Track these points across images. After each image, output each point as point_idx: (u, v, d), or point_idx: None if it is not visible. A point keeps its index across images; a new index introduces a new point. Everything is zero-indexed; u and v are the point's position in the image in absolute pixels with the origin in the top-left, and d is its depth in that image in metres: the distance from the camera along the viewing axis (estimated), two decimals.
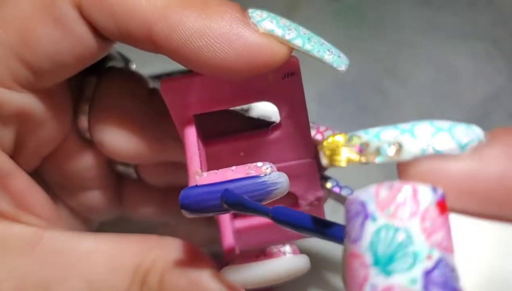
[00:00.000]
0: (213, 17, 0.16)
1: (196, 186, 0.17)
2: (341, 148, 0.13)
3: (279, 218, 0.15)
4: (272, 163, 0.17)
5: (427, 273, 0.12)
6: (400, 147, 0.13)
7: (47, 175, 0.23)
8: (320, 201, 0.23)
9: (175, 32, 0.16)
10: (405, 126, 0.14)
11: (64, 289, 0.17)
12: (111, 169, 0.24)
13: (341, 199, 0.23)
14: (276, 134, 0.20)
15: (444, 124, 0.14)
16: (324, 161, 0.14)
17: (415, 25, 0.49)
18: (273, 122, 0.21)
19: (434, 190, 0.12)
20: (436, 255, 0.12)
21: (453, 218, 0.13)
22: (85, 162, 0.23)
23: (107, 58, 0.23)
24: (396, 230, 0.12)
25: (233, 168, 0.17)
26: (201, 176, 0.17)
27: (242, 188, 0.16)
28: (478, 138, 0.13)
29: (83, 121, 0.22)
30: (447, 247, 0.12)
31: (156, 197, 0.25)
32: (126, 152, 0.22)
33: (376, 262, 0.12)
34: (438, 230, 0.12)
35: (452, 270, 0.12)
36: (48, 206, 0.20)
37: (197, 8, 0.16)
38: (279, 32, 0.17)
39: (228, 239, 0.21)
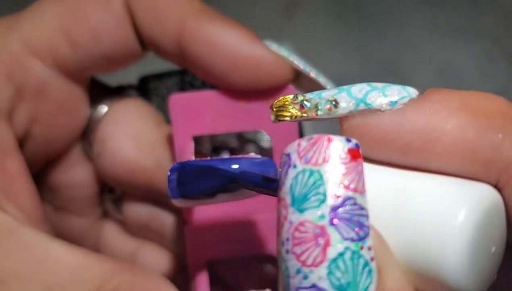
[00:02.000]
0: (236, 27, 0.20)
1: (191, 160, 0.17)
2: (287, 106, 0.15)
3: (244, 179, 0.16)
4: (265, 209, 0.19)
5: (334, 209, 0.13)
6: (336, 103, 0.15)
7: (38, 187, 0.23)
8: None
9: (205, 27, 0.19)
10: (344, 86, 0.15)
11: (20, 287, 0.17)
12: (99, 202, 0.24)
13: None
14: None
15: (380, 84, 0.15)
16: (272, 117, 0.15)
17: (417, 25, 0.49)
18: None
19: (348, 140, 0.13)
20: (343, 194, 0.13)
21: (372, 168, 0.15)
22: (79, 177, 0.23)
23: (124, 89, 0.24)
24: (311, 173, 0.13)
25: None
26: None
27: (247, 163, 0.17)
28: (409, 96, 0.15)
29: (89, 134, 0.22)
30: (356, 188, 0.13)
31: (130, 248, 0.25)
32: (120, 165, 0.22)
33: (293, 202, 0.13)
34: (348, 173, 0.13)
35: (361, 208, 0.13)
36: (33, 202, 0.20)
37: (222, 18, 0.20)
38: (284, 52, 0.20)
39: None
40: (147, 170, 0.22)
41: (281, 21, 0.50)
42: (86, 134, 0.22)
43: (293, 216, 0.13)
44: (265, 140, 0.23)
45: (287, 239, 0.13)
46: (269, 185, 0.15)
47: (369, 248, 0.13)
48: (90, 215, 0.24)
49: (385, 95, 0.14)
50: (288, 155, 0.14)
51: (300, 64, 0.20)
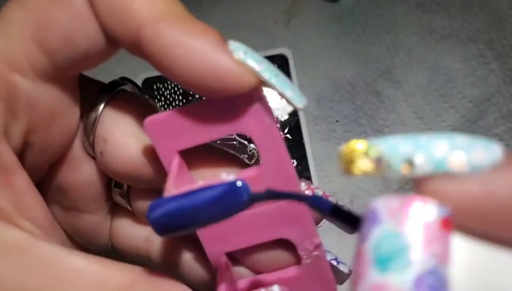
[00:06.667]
0: (197, 34, 0.18)
1: (164, 197, 0.17)
2: (359, 158, 0.14)
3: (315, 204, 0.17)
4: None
5: (418, 278, 0.12)
6: (412, 164, 0.13)
7: (46, 191, 0.23)
8: (319, 249, 0.22)
9: (160, 37, 0.18)
10: (423, 139, 0.14)
11: None
12: (109, 197, 0.24)
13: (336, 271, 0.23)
14: (259, 171, 0.20)
15: (462, 141, 0.14)
16: (342, 170, 0.14)
17: (410, 28, 0.49)
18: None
19: (441, 207, 0.13)
20: (429, 263, 0.12)
21: (459, 240, 0.14)
22: (86, 176, 0.23)
23: (119, 83, 0.24)
24: (399, 237, 0.13)
25: (202, 182, 0.17)
26: (169, 192, 0.17)
27: (210, 197, 0.16)
28: (495, 159, 0.13)
29: (89, 135, 0.23)
30: (443, 258, 0.13)
31: (143, 235, 0.25)
32: (124, 162, 0.22)
33: (376, 261, 0.13)
34: (437, 243, 0.13)
35: (443, 280, 0.13)
36: (44, 212, 0.20)
37: (185, 24, 0.18)
38: (250, 62, 0.18)
39: None
40: (150, 165, 0.22)
41: (279, 26, 0.50)
42: (86, 133, 0.22)
43: (373, 276, 0.13)
44: None
45: None
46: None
47: None
48: (101, 210, 0.24)
49: (467, 159, 0.13)
50: (376, 210, 0.13)
51: (266, 75, 0.18)
